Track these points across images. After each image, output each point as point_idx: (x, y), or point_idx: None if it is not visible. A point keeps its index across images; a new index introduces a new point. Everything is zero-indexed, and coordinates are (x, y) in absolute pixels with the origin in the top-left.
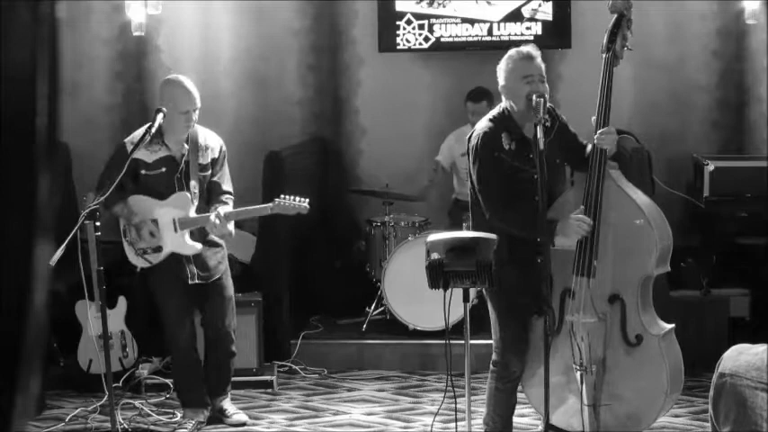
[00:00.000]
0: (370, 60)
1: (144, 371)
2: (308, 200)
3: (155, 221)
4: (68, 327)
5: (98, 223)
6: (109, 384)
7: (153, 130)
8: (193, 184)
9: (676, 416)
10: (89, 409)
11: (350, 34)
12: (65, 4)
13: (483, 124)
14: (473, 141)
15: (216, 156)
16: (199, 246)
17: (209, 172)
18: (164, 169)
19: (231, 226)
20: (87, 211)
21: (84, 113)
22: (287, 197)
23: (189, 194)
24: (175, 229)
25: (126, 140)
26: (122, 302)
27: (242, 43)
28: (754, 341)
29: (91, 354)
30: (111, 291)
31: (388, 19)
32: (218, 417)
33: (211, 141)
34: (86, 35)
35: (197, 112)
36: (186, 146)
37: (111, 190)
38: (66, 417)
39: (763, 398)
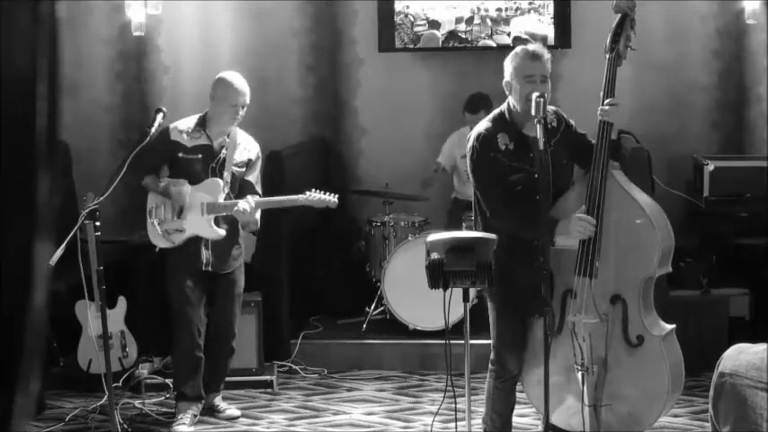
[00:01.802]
0: (370, 60)
1: (144, 371)
2: (337, 195)
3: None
4: (68, 327)
5: (98, 223)
6: (109, 384)
7: (152, 129)
8: (226, 174)
9: (676, 416)
10: (89, 408)
11: (349, 34)
12: (65, 4)
13: (482, 125)
14: (471, 142)
15: (252, 158)
16: (222, 231)
17: (244, 170)
18: (200, 156)
19: (258, 215)
20: (87, 210)
21: (84, 113)
22: (318, 191)
23: (221, 182)
24: (202, 213)
25: (170, 126)
26: (122, 302)
27: (242, 43)
28: (753, 341)
29: (91, 354)
30: (111, 291)
31: (388, 19)
32: (210, 413)
33: (249, 144)
34: (86, 35)
35: (245, 108)
36: (227, 139)
37: (118, 179)
38: (66, 417)
39: (763, 397)
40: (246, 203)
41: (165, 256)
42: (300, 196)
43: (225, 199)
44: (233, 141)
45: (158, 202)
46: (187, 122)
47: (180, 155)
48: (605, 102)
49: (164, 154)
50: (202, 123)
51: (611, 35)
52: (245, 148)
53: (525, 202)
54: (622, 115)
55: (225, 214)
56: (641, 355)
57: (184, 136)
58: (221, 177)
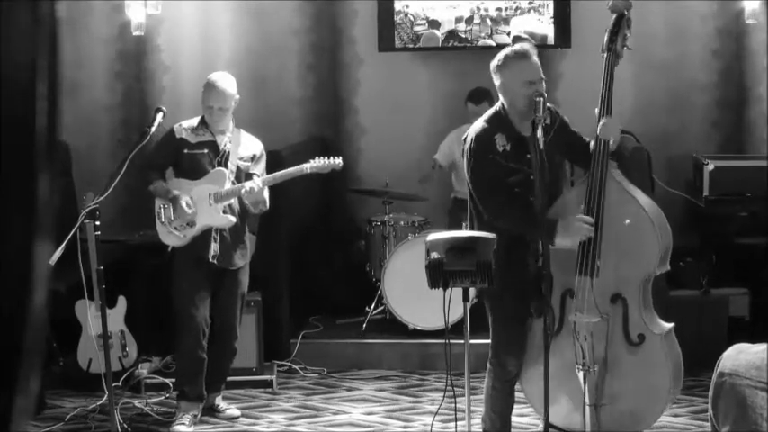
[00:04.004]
0: (370, 60)
1: (143, 370)
2: (341, 157)
3: (190, 198)
4: (68, 326)
5: (98, 223)
6: (108, 384)
7: (152, 129)
8: (231, 166)
9: (676, 415)
10: (89, 408)
11: (349, 34)
12: (65, 4)
13: (477, 126)
14: (467, 144)
15: (257, 153)
16: (233, 218)
17: (250, 164)
18: (205, 150)
19: (266, 194)
20: (87, 210)
21: (84, 113)
22: (321, 158)
23: (226, 171)
24: (210, 203)
25: (175, 126)
26: (122, 302)
27: (242, 43)
28: (753, 341)
29: (90, 353)
30: (111, 290)
31: (388, 19)
32: (210, 412)
33: (253, 143)
34: (86, 35)
35: (222, 110)
36: (230, 134)
37: (118, 178)
38: (66, 416)
39: (762, 397)
40: (253, 183)
41: (174, 254)
42: (305, 165)
43: None
44: (236, 139)
45: (165, 203)
46: (190, 122)
47: (185, 151)
48: (601, 121)
49: (171, 153)
50: (204, 122)
51: (608, 35)
52: (249, 145)
53: (522, 202)
54: (618, 129)
55: (233, 201)
56: (642, 353)
57: (189, 133)
58: (226, 168)
